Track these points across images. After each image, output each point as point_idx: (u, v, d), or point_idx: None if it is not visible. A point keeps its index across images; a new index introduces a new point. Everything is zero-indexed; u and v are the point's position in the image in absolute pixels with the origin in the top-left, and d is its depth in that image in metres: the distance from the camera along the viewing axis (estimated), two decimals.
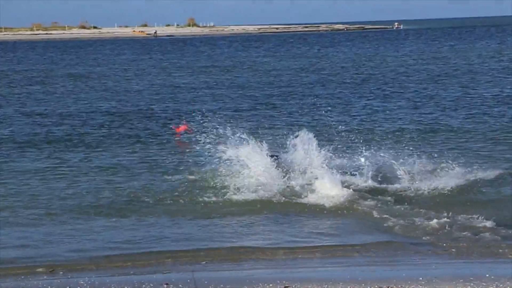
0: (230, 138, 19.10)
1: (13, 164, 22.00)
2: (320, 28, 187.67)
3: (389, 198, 17.29)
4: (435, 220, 15.25)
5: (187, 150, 22.05)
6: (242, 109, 33.67)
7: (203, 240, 14.48)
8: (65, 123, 29.95)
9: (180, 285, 11.51)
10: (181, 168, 20.32)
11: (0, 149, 24.43)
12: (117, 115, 32.17)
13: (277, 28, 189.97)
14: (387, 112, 31.57)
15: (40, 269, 12.80)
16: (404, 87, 41.65)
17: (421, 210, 16.21)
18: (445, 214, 15.63)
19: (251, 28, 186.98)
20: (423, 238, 14.42)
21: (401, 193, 17.79)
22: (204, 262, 13.12)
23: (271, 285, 11.37)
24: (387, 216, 15.72)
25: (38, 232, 15.14)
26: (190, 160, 20.87)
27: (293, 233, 14.98)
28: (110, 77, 53.46)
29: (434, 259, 13.11)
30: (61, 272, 12.62)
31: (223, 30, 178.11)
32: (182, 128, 23.48)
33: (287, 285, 11.30)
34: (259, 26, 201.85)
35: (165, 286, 11.51)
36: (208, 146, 19.27)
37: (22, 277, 12.43)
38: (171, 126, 25.77)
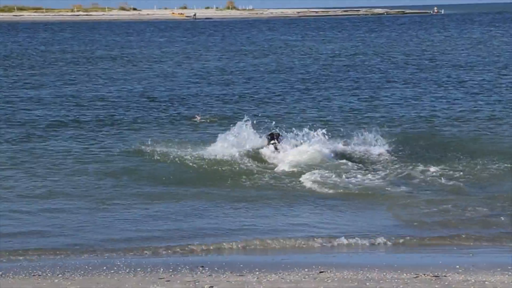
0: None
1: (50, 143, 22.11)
2: (360, 12, 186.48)
3: (422, 184, 17.14)
4: (470, 208, 15.07)
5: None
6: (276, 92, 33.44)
7: (235, 230, 14.35)
8: (98, 105, 29.98)
9: (216, 268, 11.50)
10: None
11: (37, 129, 24.56)
12: (151, 99, 32.15)
13: (316, 12, 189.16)
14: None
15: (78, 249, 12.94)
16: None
17: (455, 198, 16.03)
18: (481, 203, 15.47)
19: (290, 12, 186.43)
20: (459, 226, 14.25)
21: (431, 179, 17.62)
22: (239, 247, 13.12)
23: (306, 270, 11.31)
24: (421, 204, 15.55)
25: (76, 215, 15.22)
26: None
27: (329, 220, 14.86)
28: (146, 59, 53.40)
29: (471, 247, 12.95)
30: (98, 253, 12.68)
31: (262, 13, 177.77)
32: (198, 117, 25.22)
33: (322, 271, 11.22)
34: (298, 10, 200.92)
35: (200, 268, 11.50)
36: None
37: (62, 255, 12.55)
38: (192, 116, 26.16)
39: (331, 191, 16.74)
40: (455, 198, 15.95)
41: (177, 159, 19.44)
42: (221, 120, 25.56)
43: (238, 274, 11.20)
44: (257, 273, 11.23)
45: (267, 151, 19.90)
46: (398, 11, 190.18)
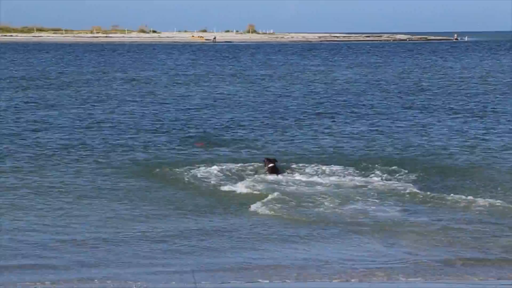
0: None
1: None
2: (382, 38, 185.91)
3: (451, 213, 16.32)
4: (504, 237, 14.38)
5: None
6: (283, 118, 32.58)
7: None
8: (106, 127, 29.30)
9: None
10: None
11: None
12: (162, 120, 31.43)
13: (337, 37, 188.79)
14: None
15: None
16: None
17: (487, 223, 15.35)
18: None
19: (311, 36, 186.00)
20: (493, 251, 13.60)
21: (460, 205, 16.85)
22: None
23: None
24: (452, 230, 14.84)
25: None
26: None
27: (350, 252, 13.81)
28: (161, 82, 52.89)
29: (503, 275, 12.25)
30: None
31: (282, 37, 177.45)
32: (200, 144, 25.04)
33: None
34: (319, 34, 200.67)
35: None
36: None
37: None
38: (193, 143, 25.45)
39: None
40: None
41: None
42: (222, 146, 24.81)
43: None
44: None
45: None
46: (421, 38, 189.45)
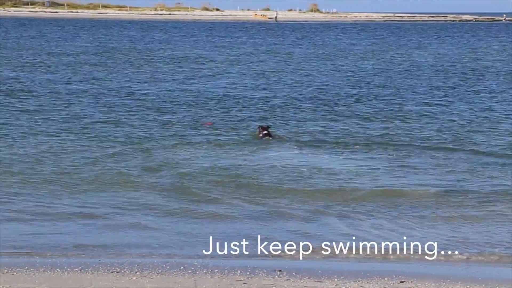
0: None
1: None
2: (448, 18, 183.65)
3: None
4: None
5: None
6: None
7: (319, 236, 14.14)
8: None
9: (294, 273, 11.33)
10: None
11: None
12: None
13: (401, 17, 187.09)
14: None
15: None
16: None
17: None
18: None
19: (374, 16, 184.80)
20: None
21: None
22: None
23: (386, 279, 11.06)
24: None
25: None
26: None
27: (405, 229, 14.48)
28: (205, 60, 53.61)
29: None
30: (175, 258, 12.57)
31: (346, 16, 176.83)
32: (209, 123, 25.35)
33: (403, 280, 10.96)
34: (383, 14, 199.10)
35: (278, 272, 11.36)
36: None
37: (140, 254, 12.55)
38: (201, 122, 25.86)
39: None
40: None
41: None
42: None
43: (316, 280, 11.01)
44: (336, 280, 11.02)
45: None
46: (488, 18, 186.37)
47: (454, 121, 26.55)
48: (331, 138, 23.25)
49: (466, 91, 35.54)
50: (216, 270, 11.42)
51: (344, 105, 30.42)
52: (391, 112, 28.58)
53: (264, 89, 35.57)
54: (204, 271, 11.39)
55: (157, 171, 18.54)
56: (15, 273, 11.08)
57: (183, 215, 15.03)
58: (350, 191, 16.86)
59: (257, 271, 11.43)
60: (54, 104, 29.40)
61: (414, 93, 34.43)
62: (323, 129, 24.91)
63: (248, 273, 11.34)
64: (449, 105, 30.68)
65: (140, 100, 31.15)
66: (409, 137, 23.52)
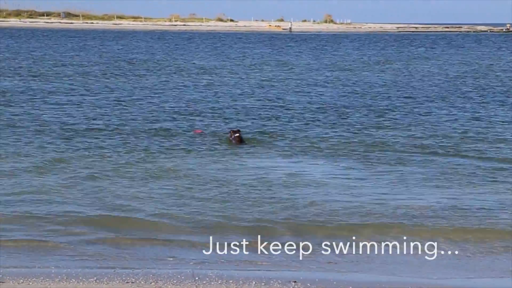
0: None
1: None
2: (462, 29, 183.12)
3: None
4: None
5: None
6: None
7: None
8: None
9: (308, 284, 11.33)
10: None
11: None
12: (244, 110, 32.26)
13: (416, 28, 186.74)
14: None
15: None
16: None
17: None
18: None
19: (389, 27, 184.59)
20: None
21: None
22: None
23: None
24: None
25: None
26: None
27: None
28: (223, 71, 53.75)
29: None
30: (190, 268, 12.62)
31: (360, 27, 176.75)
32: (198, 131, 25.48)
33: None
34: (397, 25, 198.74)
35: (293, 283, 11.36)
36: None
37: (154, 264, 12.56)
38: (192, 131, 25.86)
39: None
40: None
41: None
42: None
43: None
44: None
45: None
46: (501, 29, 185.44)
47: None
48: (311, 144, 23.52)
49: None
50: (231, 281, 11.42)
51: (338, 114, 30.57)
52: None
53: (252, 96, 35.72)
54: (219, 282, 11.40)
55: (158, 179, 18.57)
56: (30, 283, 11.13)
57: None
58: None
59: (272, 281, 11.43)
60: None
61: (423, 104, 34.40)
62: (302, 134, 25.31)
63: (263, 284, 11.34)
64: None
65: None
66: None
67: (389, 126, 27.53)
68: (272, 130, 26.10)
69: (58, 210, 15.62)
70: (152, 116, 29.31)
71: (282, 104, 33.61)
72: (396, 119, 29.44)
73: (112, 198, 16.59)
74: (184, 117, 28.91)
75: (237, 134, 22.58)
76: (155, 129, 26.15)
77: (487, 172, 19.69)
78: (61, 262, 12.52)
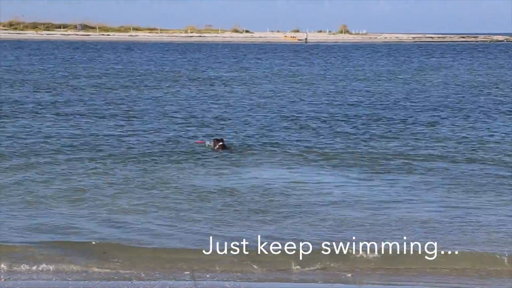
0: None
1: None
2: (478, 39, 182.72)
3: None
4: None
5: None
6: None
7: None
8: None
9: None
10: None
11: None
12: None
13: (432, 38, 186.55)
14: None
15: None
16: None
17: None
18: None
19: (404, 37, 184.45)
20: None
21: None
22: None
23: None
24: None
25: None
26: None
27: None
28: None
29: None
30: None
31: (376, 37, 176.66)
32: (199, 142, 25.45)
33: None
34: (413, 35, 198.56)
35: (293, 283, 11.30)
36: None
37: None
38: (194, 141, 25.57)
39: None
40: None
41: None
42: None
43: None
44: None
45: None
46: None
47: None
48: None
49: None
50: (231, 281, 11.32)
51: (346, 122, 30.51)
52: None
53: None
54: (219, 282, 11.29)
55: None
56: None
57: None
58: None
59: (272, 281, 11.33)
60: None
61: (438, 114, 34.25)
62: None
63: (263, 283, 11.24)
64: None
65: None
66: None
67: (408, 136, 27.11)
68: (273, 140, 25.78)
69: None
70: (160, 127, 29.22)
71: (287, 115, 33.21)
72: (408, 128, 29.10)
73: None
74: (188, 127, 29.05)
75: (221, 143, 23.47)
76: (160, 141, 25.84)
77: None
78: None
